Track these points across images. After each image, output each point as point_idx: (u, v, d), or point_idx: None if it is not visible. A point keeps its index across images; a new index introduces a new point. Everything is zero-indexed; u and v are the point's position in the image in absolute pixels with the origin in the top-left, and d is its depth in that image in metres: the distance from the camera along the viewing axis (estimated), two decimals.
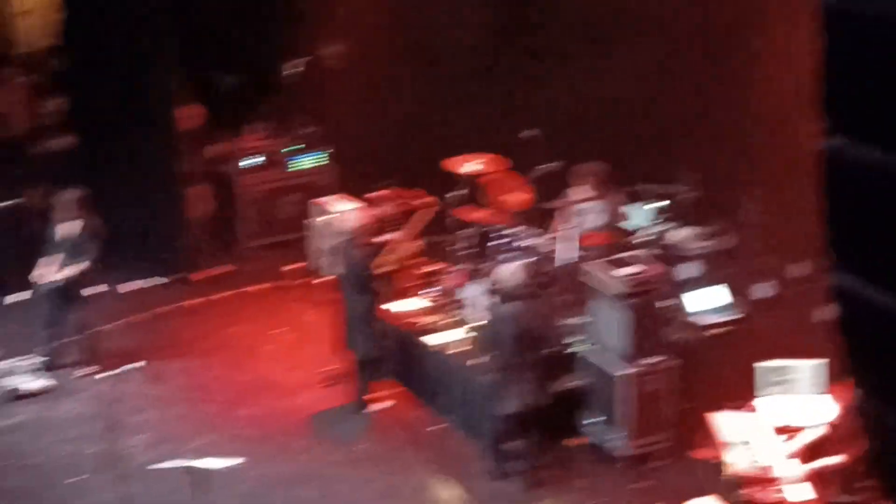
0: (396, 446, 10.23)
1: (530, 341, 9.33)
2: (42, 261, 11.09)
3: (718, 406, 9.05)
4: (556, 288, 10.62)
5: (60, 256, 11.06)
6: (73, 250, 11.05)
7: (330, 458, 10.06)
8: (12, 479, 9.74)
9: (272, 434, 10.36)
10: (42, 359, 11.24)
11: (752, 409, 8.69)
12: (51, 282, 11.04)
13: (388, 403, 10.64)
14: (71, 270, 11.01)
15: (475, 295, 10.72)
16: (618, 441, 9.72)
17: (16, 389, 10.90)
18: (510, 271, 9.43)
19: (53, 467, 9.89)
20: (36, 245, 12.60)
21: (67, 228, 11.07)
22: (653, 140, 12.52)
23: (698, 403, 9.77)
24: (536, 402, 9.34)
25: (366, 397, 10.60)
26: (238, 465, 8.32)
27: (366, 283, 10.43)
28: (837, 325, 3.83)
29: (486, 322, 9.58)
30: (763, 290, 11.26)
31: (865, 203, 3.48)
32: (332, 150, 14.14)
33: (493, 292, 10.17)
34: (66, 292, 11.10)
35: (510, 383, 9.31)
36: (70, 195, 11.07)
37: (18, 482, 9.70)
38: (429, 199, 11.48)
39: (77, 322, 11.24)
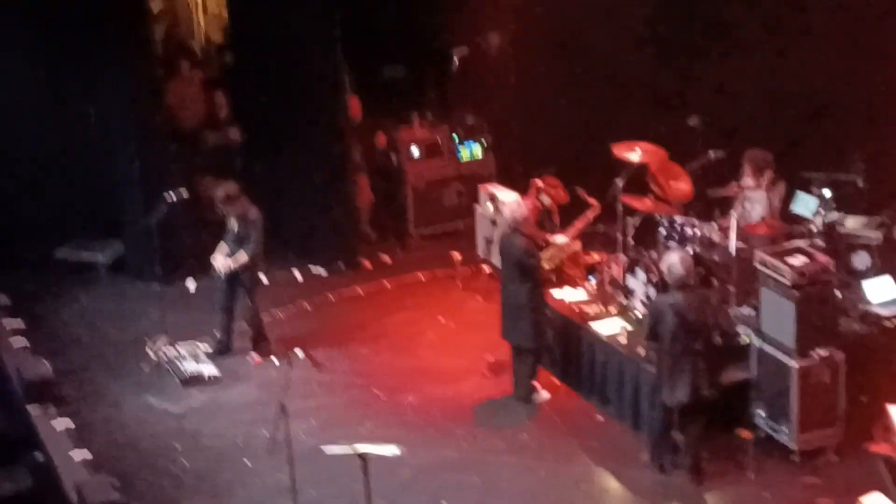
0: (558, 435, 10.23)
1: (696, 331, 9.22)
2: (218, 249, 11.43)
3: (893, 400, 8.77)
4: (724, 277, 10.43)
5: (229, 246, 11.39)
6: (238, 240, 11.35)
7: (491, 445, 10.13)
8: (188, 460, 10.09)
9: (434, 421, 10.48)
10: (216, 344, 11.60)
11: None
12: (223, 270, 11.37)
13: (547, 395, 10.63)
14: (238, 259, 11.30)
15: (639, 284, 10.63)
16: (789, 434, 9.52)
17: (190, 374, 11.26)
18: (676, 260, 9.31)
19: (227, 450, 10.21)
20: (206, 234, 13.10)
21: (232, 219, 11.38)
22: (822, 127, 12.20)
23: (873, 397, 9.52)
24: (703, 394, 9.23)
25: (526, 388, 10.57)
26: (401, 451, 8.44)
27: (526, 272, 10.40)
28: None
29: (651, 311, 9.48)
30: None
31: None
32: (494, 140, 14.19)
33: (658, 281, 10.09)
34: (238, 280, 11.42)
35: (676, 374, 9.22)
36: (229, 187, 11.37)
37: (194, 464, 10.04)
38: (593, 200, 11.42)
39: (249, 309, 11.55)
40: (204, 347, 11.63)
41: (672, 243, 10.71)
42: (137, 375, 11.39)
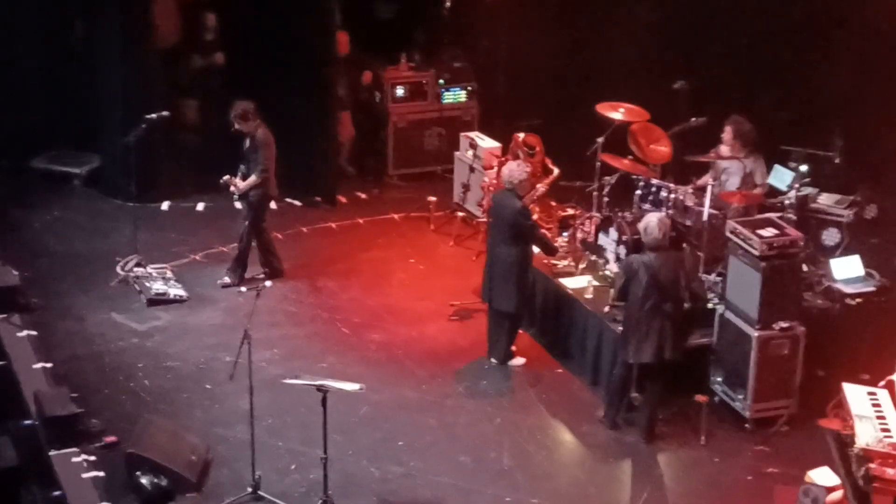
0: (517, 385, 10.35)
1: (667, 292, 9.28)
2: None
3: (852, 378, 8.91)
4: (695, 243, 10.53)
5: (241, 167, 11.33)
6: (248, 161, 11.30)
7: (452, 389, 10.24)
8: (149, 378, 10.15)
9: (397, 360, 10.57)
10: (263, 269, 11.51)
11: (887, 384, 8.53)
12: (232, 190, 11.33)
13: (523, 360, 10.58)
14: (247, 181, 11.26)
15: (610, 242, 10.70)
16: (743, 402, 9.66)
17: (156, 293, 11.27)
18: (654, 222, 9.36)
19: (189, 372, 10.28)
20: (185, 157, 13.08)
21: (245, 138, 11.30)
22: (804, 103, 12.27)
23: (830, 373, 9.66)
24: (666, 356, 9.32)
25: (503, 352, 10.50)
26: (362, 387, 8.52)
27: (520, 233, 10.26)
28: None
29: (624, 270, 9.50)
30: None
31: None
32: (479, 87, 14.18)
33: (631, 241, 10.15)
34: (247, 199, 11.38)
35: (642, 334, 9.30)
36: (243, 106, 11.24)
37: (155, 382, 10.11)
38: (554, 167, 11.49)
39: (244, 231, 11.44)
40: (169, 270, 11.65)
41: (647, 205, 10.78)
42: (105, 291, 11.42)
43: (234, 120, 11.27)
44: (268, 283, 10.44)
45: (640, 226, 9.53)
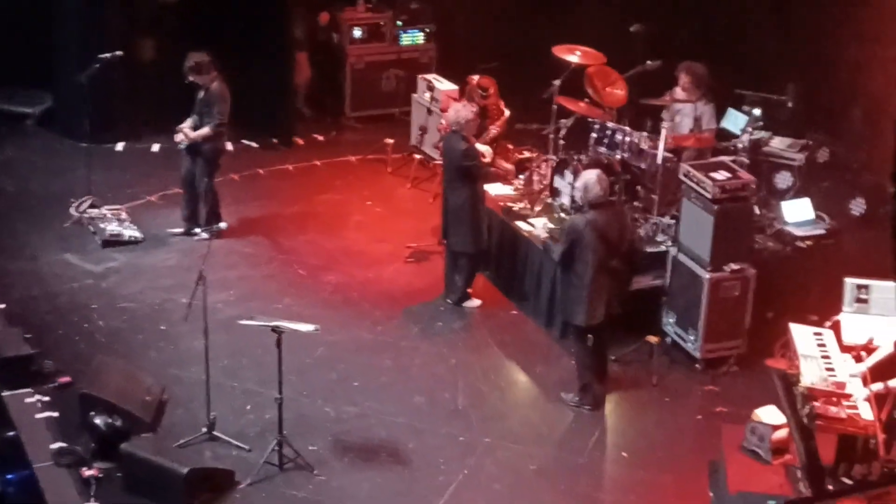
0: (472, 326, 10.43)
1: (612, 250, 9.15)
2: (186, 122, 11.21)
3: (799, 318, 9.04)
4: (649, 186, 10.59)
5: (195, 117, 11.18)
6: (202, 112, 11.15)
7: (406, 331, 10.31)
8: (103, 319, 10.15)
9: (353, 302, 10.61)
10: (184, 222, 11.39)
11: (833, 324, 8.66)
12: (184, 142, 11.19)
13: (478, 302, 10.61)
14: (199, 132, 11.11)
15: (566, 185, 10.74)
16: (694, 343, 9.79)
17: (110, 234, 11.23)
18: (593, 179, 9.12)
19: (144, 313, 10.28)
20: (139, 97, 12.96)
21: (199, 90, 11.15)
22: (758, 47, 12.31)
23: (779, 314, 9.79)
24: (613, 312, 9.24)
25: (459, 293, 10.53)
26: (318, 328, 8.57)
27: (466, 175, 10.25)
28: None
29: (568, 232, 9.23)
30: (857, 206, 11.13)
31: None
32: (437, 29, 14.12)
33: (576, 199, 10.03)
34: (199, 153, 11.23)
35: (593, 295, 9.09)
36: (198, 57, 11.09)
37: (109, 323, 10.11)
38: (506, 112, 11.54)
39: (206, 184, 11.29)
40: (124, 211, 11.60)
41: (602, 148, 10.82)
42: (59, 232, 11.38)
43: (187, 72, 11.10)
44: (223, 225, 10.42)
45: (579, 184, 9.28)
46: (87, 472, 8.30)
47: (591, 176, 9.20)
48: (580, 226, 9.12)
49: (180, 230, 11.43)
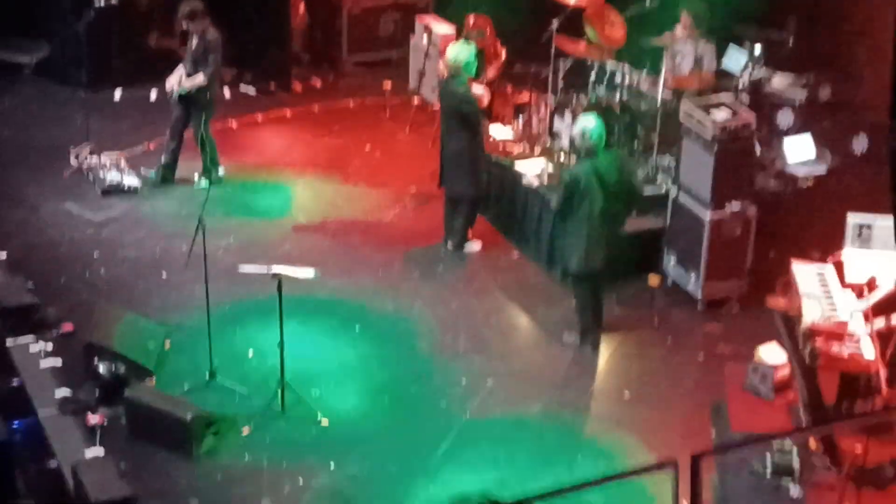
0: (473, 270, 10.42)
1: (612, 196, 9.07)
2: (176, 71, 11.09)
3: (801, 257, 9.03)
4: (649, 126, 10.54)
5: (187, 66, 11.05)
6: (195, 61, 11.03)
7: (407, 275, 10.31)
8: (105, 267, 10.15)
9: (353, 247, 10.60)
10: (162, 169, 11.31)
11: (836, 262, 8.65)
12: (177, 90, 11.07)
13: (478, 245, 10.58)
14: (194, 80, 10.99)
15: (565, 126, 10.69)
16: (696, 283, 9.79)
17: (110, 183, 11.20)
18: (590, 125, 9.00)
19: (146, 262, 10.28)
20: (135, 44, 12.86)
21: (193, 38, 11.03)
22: None
23: (781, 253, 9.77)
24: (601, 263, 9.19)
25: (459, 237, 10.50)
26: (317, 274, 8.56)
27: (465, 119, 10.15)
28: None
29: (568, 181, 9.07)
30: (859, 143, 11.08)
31: None
32: None
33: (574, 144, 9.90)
34: (192, 102, 11.11)
35: (592, 243, 9.04)
36: (192, 4, 10.98)
37: (111, 271, 10.12)
38: (503, 55, 11.51)
39: (203, 133, 11.07)
40: (124, 159, 11.54)
41: (601, 89, 10.76)
42: (58, 181, 11.34)
43: (181, 20, 11.00)
44: (221, 171, 10.38)
45: (576, 131, 9.14)
46: (92, 419, 8.35)
47: (588, 121, 9.09)
48: (578, 176, 9.02)
49: (155, 175, 11.27)
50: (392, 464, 8.22)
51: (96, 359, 8.69)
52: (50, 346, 8.98)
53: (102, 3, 11.62)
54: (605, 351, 9.44)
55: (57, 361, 8.83)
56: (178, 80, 11.05)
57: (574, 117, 10.54)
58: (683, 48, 10.82)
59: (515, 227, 10.75)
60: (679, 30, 10.87)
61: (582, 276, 9.27)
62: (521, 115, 11.38)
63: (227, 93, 11.82)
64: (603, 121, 9.17)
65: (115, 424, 8.38)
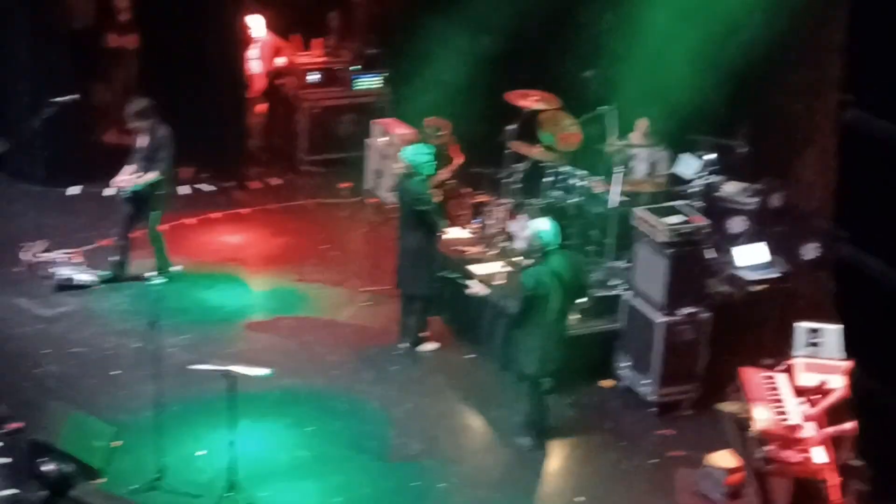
0: (427, 371, 10.39)
1: (571, 294, 9.14)
2: (122, 170, 11.10)
3: (752, 362, 9.08)
4: (603, 230, 10.64)
5: (137, 164, 11.07)
6: (147, 158, 11.05)
7: (361, 375, 10.25)
8: (55, 365, 10.02)
9: (307, 346, 10.55)
10: (114, 267, 11.26)
11: (786, 368, 8.70)
12: (128, 187, 11.07)
13: (435, 345, 10.59)
14: (147, 177, 10.99)
15: (521, 230, 10.76)
16: (648, 387, 9.81)
17: (63, 279, 11.12)
18: (546, 226, 9.07)
19: (95, 358, 10.16)
20: (94, 141, 12.87)
21: (142, 136, 11.08)
22: (711, 92, 12.40)
23: (732, 358, 9.82)
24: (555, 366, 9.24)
25: (414, 337, 10.50)
26: (271, 373, 8.51)
27: (420, 218, 10.23)
28: (838, 297, 3.81)
29: (526, 283, 9.05)
30: (810, 250, 11.21)
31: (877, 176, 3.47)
32: (393, 73, 14.16)
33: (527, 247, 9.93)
34: (144, 200, 11.11)
35: (550, 343, 9.09)
36: (141, 103, 11.06)
37: (60, 368, 9.99)
38: (459, 160, 11.74)
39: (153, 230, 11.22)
40: (78, 256, 11.48)
41: (556, 192, 10.87)
42: (9, 276, 11.24)
43: (130, 117, 11.05)
44: (177, 268, 10.34)
45: (530, 233, 9.14)
46: None
47: (542, 223, 9.16)
48: (541, 279, 9.02)
49: (108, 273, 11.25)
50: None
51: (43, 458, 8.52)
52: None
53: (63, 98, 11.62)
54: (558, 454, 9.41)
55: (5, 459, 8.65)
56: (129, 179, 11.03)
57: (529, 220, 10.63)
58: (638, 154, 10.99)
59: (470, 328, 10.76)
60: (634, 135, 11.04)
61: (537, 377, 9.26)
62: (477, 217, 11.46)
63: (184, 189, 11.80)
64: (557, 223, 9.25)
65: None
